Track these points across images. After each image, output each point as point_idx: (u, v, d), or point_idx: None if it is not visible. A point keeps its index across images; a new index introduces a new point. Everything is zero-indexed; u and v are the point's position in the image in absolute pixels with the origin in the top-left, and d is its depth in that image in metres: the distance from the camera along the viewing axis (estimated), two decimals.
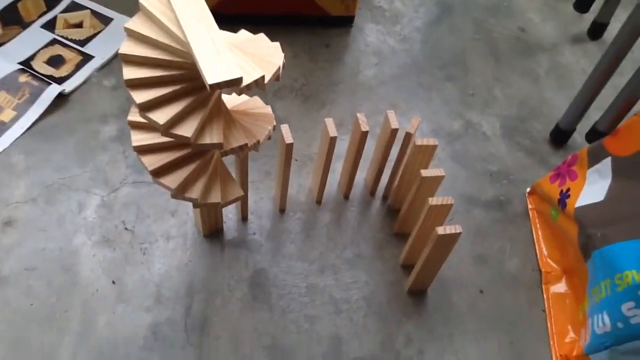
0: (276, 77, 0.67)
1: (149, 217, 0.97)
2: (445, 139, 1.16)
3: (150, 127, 0.74)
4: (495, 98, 1.26)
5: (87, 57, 1.20)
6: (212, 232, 0.97)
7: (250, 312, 0.89)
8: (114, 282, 0.90)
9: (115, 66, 1.19)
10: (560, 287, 0.96)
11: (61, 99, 1.11)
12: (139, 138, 0.74)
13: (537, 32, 1.44)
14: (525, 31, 1.43)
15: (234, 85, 0.61)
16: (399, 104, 1.21)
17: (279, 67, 0.67)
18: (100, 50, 1.21)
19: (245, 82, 0.62)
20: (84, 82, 1.15)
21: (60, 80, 1.14)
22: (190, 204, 0.98)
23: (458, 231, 0.80)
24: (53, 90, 1.10)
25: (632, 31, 0.98)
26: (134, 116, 0.74)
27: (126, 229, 0.96)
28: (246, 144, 0.71)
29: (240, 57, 0.66)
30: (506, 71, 1.32)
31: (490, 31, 1.42)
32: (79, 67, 1.18)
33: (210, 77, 0.60)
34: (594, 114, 1.15)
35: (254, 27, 0.76)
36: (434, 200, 0.82)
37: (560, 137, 1.17)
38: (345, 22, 1.35)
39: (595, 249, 0.83)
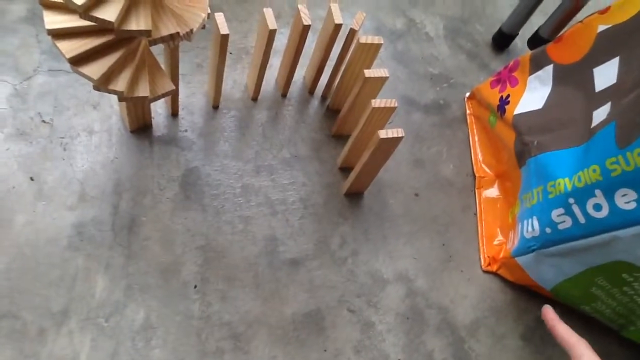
0: None
1: (69, 110, 0.89)
2: (388, 37, 1.12)
3: (67, 7, 0.65)
4: None
5: None
6: (140, 127, 0.90)
7: (181, 212, 0.86)
8: (32, 179, 0.83)
9: None
10: (493, 191, 0.98)
11: None
12: (54, 20, 0.65)
13: None
14: None
15: None
16: None
17: None
18: None
19: None
20: None
21: None
22: (114, 97, 0.91)
23: (400, 135, 0.78)
24: None
25: None
26: None
27: (43, 121, 0.87)
28: (177, 33, 0.64)
29: None
30: None
31: None
32: None
33: None
34: (536, 20, 1.13)
35: None
36: (377, 102, 0.79)
37: (502, 41, 1.15)
38: None
39: (531, 156, 0.84)
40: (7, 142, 0.84)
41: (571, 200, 0.75)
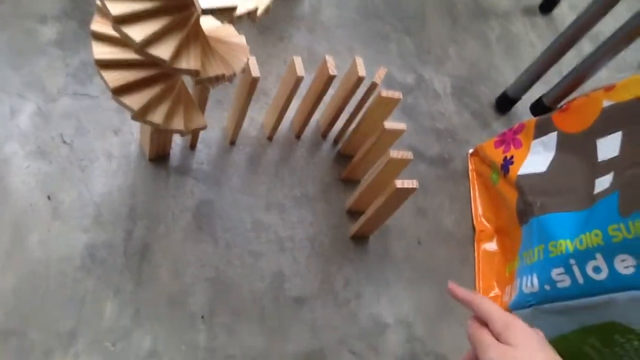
0: (267, 11, 0.63)
1: (90, 133, 0.91)
2: (398, 91, 1.16)
3: (115, 40, 0.68)
4: (449, 57, 1.27)
5: None
6: (158, 156, 0.92)
7: (193, 242, 0.87)
8: (49, 198, 0.84)
9: None
10: (491, 245, 1.02)
11: None
12: (103, 51, 0.68)
13: None
14: None
15: (226, 13, 0.57)
16: (357, 50, 1.20)
17: (271, 0, 0.63)
18: None
19: (238, 12, 0.58)
20: None
21: None
22: (136, 124, 0.93)
23: (415, 186, 0.82)
24: None
25: (588, 18, 1.03)
26: (99, 26, 0.68)
27: (64, 142, 0.89)
28: (223, 75, 0.67)
29: None
30: (461, 32, 1.34)
31: None
32: None
33: (204, 1, 0.55)
34: (537, 88, 1.20)
35: None
36: (394, 153, 0.83)
37: (505, 104, 1.21)
38: None
39: (534, 216, 0.88)
40: (28, 159, 0.86)
41: (572, 261, 0.79)
